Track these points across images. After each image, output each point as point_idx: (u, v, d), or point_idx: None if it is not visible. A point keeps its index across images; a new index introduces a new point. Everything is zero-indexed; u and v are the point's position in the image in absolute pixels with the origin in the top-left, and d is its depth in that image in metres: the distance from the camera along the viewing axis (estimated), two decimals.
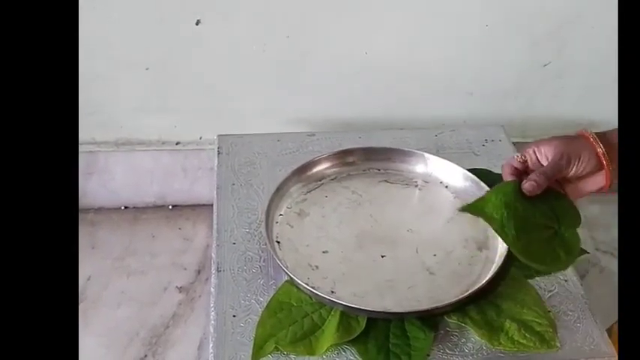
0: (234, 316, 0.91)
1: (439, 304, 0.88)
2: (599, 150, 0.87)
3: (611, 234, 1.48)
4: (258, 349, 0.85)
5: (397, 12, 1.32)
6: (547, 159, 0.90)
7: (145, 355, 1.30)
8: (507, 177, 0.91)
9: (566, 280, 0.96)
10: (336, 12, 1.31)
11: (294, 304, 0.89)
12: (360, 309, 0.87)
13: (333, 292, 0.91)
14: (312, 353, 0.86)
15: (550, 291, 0.95)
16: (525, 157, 0.92)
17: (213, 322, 0.90)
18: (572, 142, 0.89)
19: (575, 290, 0.95)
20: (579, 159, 0.88)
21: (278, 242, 0.97)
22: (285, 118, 1.42)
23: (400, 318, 0.89)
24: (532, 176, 0.88)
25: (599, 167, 0.88)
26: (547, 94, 1.48)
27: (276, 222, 1.00)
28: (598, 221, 1.52)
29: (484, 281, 0.90)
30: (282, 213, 1.02)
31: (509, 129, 1.28)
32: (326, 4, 1.30)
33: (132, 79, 1.37)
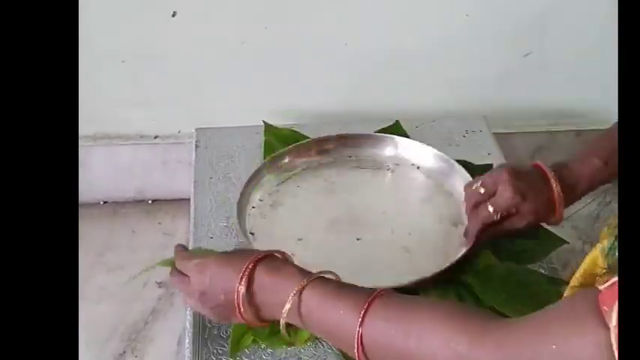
0: None
1: (418, 278, 0.85)
2: (555, 189, 0.82)
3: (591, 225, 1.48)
4: (235, 344, 0.84)
5: (377, 2, 1.31)
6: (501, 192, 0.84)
7: (124, 352, 1.29)
8: (470, 206, 0.88)
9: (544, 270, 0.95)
10: (315, 2, 1.30)
11: None
12: None
13: None
14: (291, 344, 0.84)
15: None
16: (482, 188, 0.86)
17: (189, 317, 0.89)
18: (525, 180, 0.83)
19: None
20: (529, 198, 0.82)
21: (252, 234, 0.96)
22: (265, 110, 1.40)
23: None
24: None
25: (548, 206, 0.83)
26: (529, 84, 1.47)
27: (249, 214, 0.99)
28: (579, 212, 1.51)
29: (461, 254, 0.89)
30: (254, 205, 1.01)
31: (490, 120, 1.27)
32: None
33: (108, 72, 1.35)
